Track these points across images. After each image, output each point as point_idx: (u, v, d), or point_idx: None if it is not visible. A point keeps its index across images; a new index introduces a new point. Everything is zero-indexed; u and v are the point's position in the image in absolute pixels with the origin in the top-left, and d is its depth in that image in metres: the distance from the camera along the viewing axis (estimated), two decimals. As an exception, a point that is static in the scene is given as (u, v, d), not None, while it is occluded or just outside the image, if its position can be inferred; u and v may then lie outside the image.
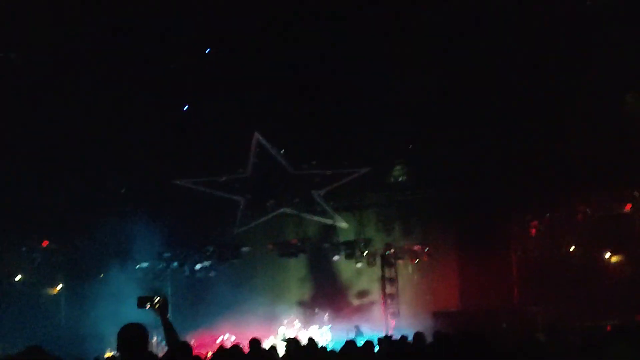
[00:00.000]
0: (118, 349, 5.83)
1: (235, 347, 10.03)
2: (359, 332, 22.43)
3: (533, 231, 23.61)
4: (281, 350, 12.48)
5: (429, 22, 18.13)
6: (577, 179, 21.37)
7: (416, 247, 24.47)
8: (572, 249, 23.15)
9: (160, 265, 25.67)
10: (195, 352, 7.10)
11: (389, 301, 24.76)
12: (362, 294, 25.64)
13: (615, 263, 22.65)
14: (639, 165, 20.50)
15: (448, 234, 24.64)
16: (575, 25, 17.74)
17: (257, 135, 22.63)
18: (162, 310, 6.51)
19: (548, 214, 23.44)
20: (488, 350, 8.49)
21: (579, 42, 18.23)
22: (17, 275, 24.46)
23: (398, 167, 24.14)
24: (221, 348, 10.73)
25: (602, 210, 22.69)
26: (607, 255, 22.75)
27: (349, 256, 24.89)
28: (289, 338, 12.80)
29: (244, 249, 25.27)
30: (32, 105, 18.96)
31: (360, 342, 11.54)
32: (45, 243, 24.62)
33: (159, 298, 6.59)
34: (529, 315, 21.57)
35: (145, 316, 6.57)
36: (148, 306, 6.55)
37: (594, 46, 18.10)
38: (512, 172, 21.73)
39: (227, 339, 22.97)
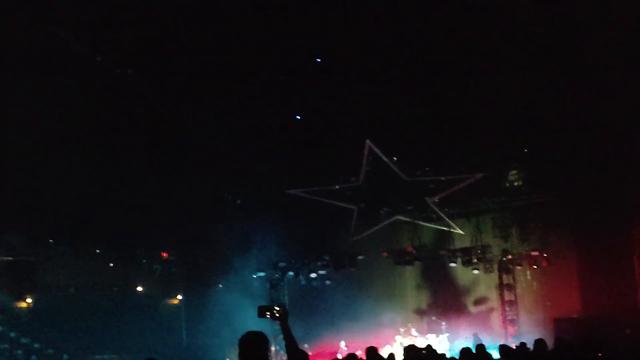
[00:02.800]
0: (239, 356, 5.87)
1: (352, 356, 10.01)
2: (477, 340, 22.07)
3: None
4: (399, 358, 12.38)
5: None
6: None
7: (534, 253, 23.92)
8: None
9: (277, 275, 25.97)
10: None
11: (507, 308, 24.30)
12: (480, 301, 25.25)
13: None
14: None
15: (566, 239, 23.98)
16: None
17: (369, 143, 22.58)
18: (282, 319, 6.54)
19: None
20: (610, 357, 8.20)
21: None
22: (138, 287, 25.17)
23: (513, 172, 23.73)
24: (339, 357, 10.74)
25: None
26: None
27: (466, 263, 24.59)
28: (408, 345, 12.69)
29: (359, 257, 25.30)
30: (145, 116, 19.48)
31: (481, 351, 11.33)
32: (165, 254, 25.23)
33: (279, 308, 6.63)
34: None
35: (264, 326, 6.62)
36: (268, 315, 6.60)
37: None
38: (633, 173, 20.99)
39: (343, 347, 23.04)
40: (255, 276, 25.78)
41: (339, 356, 20.73)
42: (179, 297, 26.66)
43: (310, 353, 15.22)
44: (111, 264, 24.29)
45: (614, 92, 18.97)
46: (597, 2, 16.84)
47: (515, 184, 23.91)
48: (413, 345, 12.70)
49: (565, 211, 23.47)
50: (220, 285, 25.37)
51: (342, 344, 23.37)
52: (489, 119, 20.47)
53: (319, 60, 19.56)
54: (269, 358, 6.03)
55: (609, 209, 22.05)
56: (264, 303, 7.11)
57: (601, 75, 18.54)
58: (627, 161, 20.86)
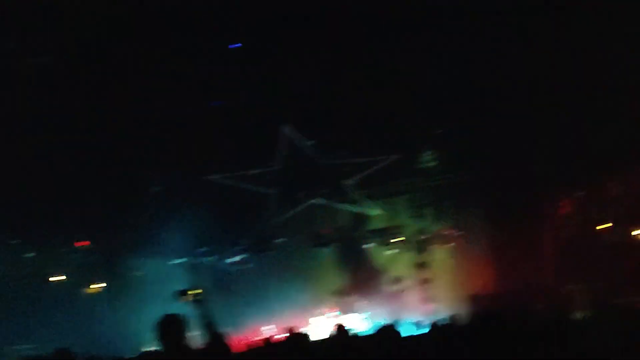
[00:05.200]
0: (157, 339, 5.95)
1: (270, 339, 10.15)
2: (395, 318, 22.51)
3: (566, 209, 23.55)
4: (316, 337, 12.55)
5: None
6: (609, 156, 21.23)
7: (449, 232, 24.54)
8: (606, 225, 23.03)
9: (197, 260, 25.88)
10: (233, 343, 7.21)
11: (423, 286, 24.84)
12: (397, 280, 25.69)
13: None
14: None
15: (480, 217, 24.64)
16: None
17: (286, 127, 22.72)
18: (200, 302, 6.64)
19: (581, 192, 23.35)
20: (523, 329, 8.52)
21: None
22: (56, 276, 24.76)
23: (427, 152, 24.13)
24: (258, 339, 10.88)
25: (635, 186, 22.54)
26: (640, 232, 22.60)
27: (382, 243, 25.02)
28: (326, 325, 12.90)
29: (278, 241, 25.43)
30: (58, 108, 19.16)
31: (397, 328, 11.60)
32: (83, 243, 24.88)
33: (196, 291, 6.74)
34: (567, 293, 21.54)
35: (185, 312, 6.70)
36: (186, 299, 6.69)
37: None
38: (542, 151, 21.65)
39: (266, 329, 23.20)
40: (175, 262, 25.62)
41: (261, 339, 20.87)
42: (99, 285, 26.28)
43: (230, 336, 15.31)
44: (28, 254, 23.86)
45: (522, 73, 19.52)
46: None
47: (430, 164, 24.28)
48: (330, 325, 12.90)
49: (477, 189, 24.02)
50: (141, 272, 25.14)
51: (264, 328, 23.52)
52: (403, 101, 20.82)
53: (233, 45, 19.56)
54: (187, 340, 6.14)
55: (520, 186, 22.74)
56: (183, 288, 7.14)
57: (513, 57, 19.04)
58: (536, 137, 21.48)
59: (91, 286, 25.54)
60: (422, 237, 24.92)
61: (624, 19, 17.18)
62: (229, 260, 25.75)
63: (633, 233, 22.56)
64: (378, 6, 17.90)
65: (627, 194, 22.70)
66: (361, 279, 25.75)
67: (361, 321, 23.46)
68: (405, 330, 11.48)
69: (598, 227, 23.15)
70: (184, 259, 25.78)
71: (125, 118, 19.81)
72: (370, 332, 12.35)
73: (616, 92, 19.01)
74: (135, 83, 19.04)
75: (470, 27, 18.39)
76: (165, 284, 22.33)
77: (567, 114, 20.29)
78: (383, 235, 25.05)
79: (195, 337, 6.31)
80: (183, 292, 6.74)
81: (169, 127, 20.60)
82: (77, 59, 18.20)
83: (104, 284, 25.66)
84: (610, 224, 22.95)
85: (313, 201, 25.03)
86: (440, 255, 25.24)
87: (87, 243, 24.70)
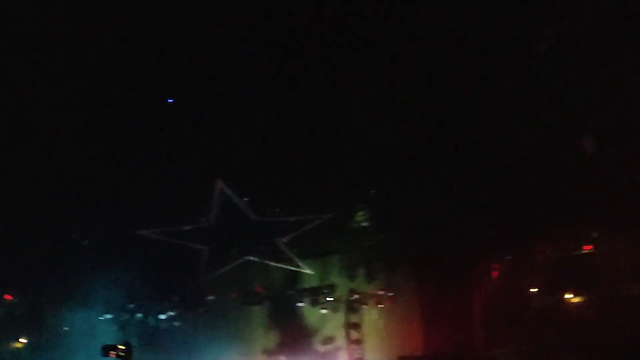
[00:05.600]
0: None
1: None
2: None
3: (495, 273, 23.82)
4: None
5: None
6: (537, 221, 21.62)
7: (380, 292, 24.61)
8: (534, 290, 23.35)
9: (125, 316, 25.47)
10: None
11: (353, 347, 24.79)
12: (328, 340, 25.58)
13: (577, 304, 22.86)
14: (597, 206, 20.81)
15: (411, 278, 24.75)
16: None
17: (219, 184, 22.70)
18: (126, 358, 6.61)
19: (510, 256, 23.67)
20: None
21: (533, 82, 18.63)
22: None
23: (361, 213, 24.27)
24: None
25: (562, 252, 22.95)
26: (569, 296, 22.93)
27: (314, 302, 24.96)
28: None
29: (209, 298, 25.21)
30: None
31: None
32: (7, 297, 24.34)
33: (123, 347, 6.71)
34: (494, 358, 21.71)
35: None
36: (113, 354, 6.66)
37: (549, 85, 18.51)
38: (473, 216, 21.94)
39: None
40: (102, 318, 25.19)
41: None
42: (22, 340, 25.67)
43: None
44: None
45: (454, 136, 19.91)
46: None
47: (363, 224, 24.41)
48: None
49: (409, 251, 24.17)
50: (66, 328, 24.66)
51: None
52: (338, 161, 21.03)
53: (170, 100, 19.64)
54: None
55: (450, 249, 22.96)
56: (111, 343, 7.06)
57: (446, 118, 19.44)
58: (468, 202, 21.80)
59: (15, 341, 24.98)
60: (354, 297, 24.89)
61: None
62: (158, 317, 25.40)
63: (561, 298, 22.91)
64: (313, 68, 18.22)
65: (556, 260, 23.07)
66: (292, 338, 25.57)
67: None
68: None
69: (527, 291, 23.44)
70: (113, 314, 25.39)
71: (55, 170, 19.64)
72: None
73: (543, 163, 19.56)
74: (67, 133, 18.97)
75: (404, 90, 18.79)
76: (93, 339, 22.04)
77: (496, 179, 20.73)
78: (315, 295, 24.97)
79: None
80: (110, 347, 6.69)
81: (100, 179, 20.48)
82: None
83: (28, 339, 25.11)
84: (537, 289, 23.26)
85: (245, 258, 24.88)
86: (371, 315, 25.21)
87: (9, 297, 24.15)
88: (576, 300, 22.92)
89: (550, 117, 18.87)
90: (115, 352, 6.43)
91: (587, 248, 22.48)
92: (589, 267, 22.52)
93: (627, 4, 16.77)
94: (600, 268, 22.20)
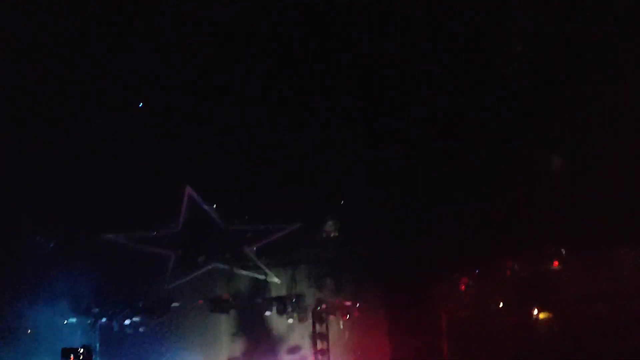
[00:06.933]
0: None
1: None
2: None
3: (461, 288, 23.84)
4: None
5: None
6: (504, 236, 21.70)
7: (347, 303, 24.57)
8: (500, 305, 23.39)
9: (89, 321, 25.21)
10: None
11: (319, 357, 24.73)
12: (294, 349, 25.50)
13: (543, 320, 22.93)
14: (564, 222, 20.92)
15: (378, 291, 24.75)
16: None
17: (188, 190, 22.61)
18: (85, 361, 6.52)
19: (475, 271, 23.71)
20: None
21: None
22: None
23: (330, 223, 24.24)
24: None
25: (529, 267, 23.02)
26: (536, 312, 22.99)
27: (281, 312, 24.84)
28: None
29: (174, 305, 25.00)
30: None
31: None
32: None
33: (82, 350, 6.62)
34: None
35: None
36: (72, 358, 6.58)
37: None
38: (440, 230, 21.99)
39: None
40: (66, 322, 24.94)
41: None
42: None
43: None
44: None
45: (425, 152, 19.99)
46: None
47: (331, 235, 24.38)
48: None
49: (376, 263, 24.17)
50: (29, 331, 24.39)
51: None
52: (307, 170, 21.04)
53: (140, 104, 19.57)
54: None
55: (417, 263, 22.98)
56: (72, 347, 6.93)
57: (415, 137, 19.51)
58: (435, 216, 21.87)
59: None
60: (321, 307, 24.82)
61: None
62: (122, 322, 25.16)
63: (528, 314, 22.97)
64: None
65: (524, 275, 23.13)
66: (258, 346, 25.47)
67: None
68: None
69: (494, 306, 23.48)
70: (77, 318, 25.14)
71: (20, 171, 19.50)
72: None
73: (512, 179, 19.66)
74: (33, 133, 18.87)
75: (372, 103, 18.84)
76: (56, 342, 21.81)
77: (464, 194, 20.80)
78: (282, 304, 24.86)
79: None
80: (70, 350, 6.60)
81: (66, 182, 20.35)
82: None
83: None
84: (504, 304, 23.30)
85: (212, 266, 24.77)
86: (337, 326, 25.16)
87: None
88: (543, 316, 22.96)
89: (519, 134, 18.98)
90: (74, 355, 6.31)
91: (555, 264, 22.54)
92: (556, 284, 22.60)
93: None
94: (568, 284, 22.27)
